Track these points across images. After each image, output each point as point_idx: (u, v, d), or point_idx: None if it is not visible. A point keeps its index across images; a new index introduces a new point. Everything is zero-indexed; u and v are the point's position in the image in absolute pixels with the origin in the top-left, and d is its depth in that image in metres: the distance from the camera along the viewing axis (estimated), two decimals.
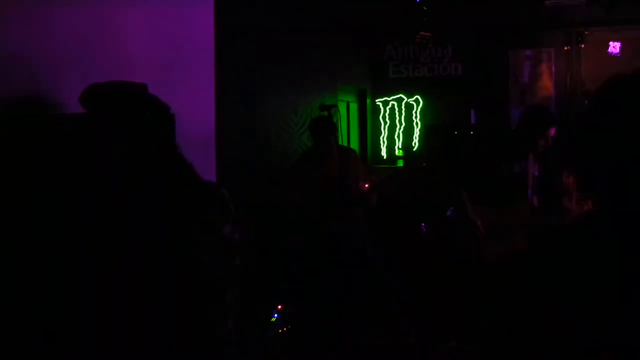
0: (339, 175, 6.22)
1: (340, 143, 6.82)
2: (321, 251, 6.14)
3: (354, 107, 10.65)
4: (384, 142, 10.91)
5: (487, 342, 5.06)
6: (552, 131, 5.65)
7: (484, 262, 5.35)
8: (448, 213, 6.44)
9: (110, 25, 3.97)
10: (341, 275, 6.02)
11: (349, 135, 10.22)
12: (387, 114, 10.89)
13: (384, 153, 10.90)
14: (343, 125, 7.51)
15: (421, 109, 10.72)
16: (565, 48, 9.83)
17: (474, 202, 5.42)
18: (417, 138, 10.73)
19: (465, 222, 5.39)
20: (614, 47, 9.10)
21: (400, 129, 10.85)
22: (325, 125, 6.24)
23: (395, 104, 10.86)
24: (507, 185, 5.45)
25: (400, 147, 10.85)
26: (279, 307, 6.03)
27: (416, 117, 10.75)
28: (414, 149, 10.71)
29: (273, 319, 5.92)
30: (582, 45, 9.62)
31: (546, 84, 10.04)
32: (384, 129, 10.90)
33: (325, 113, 7.01)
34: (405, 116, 10.82)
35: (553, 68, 9.97)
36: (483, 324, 5.28)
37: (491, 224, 5.32)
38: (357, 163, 6.53)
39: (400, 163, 10.68)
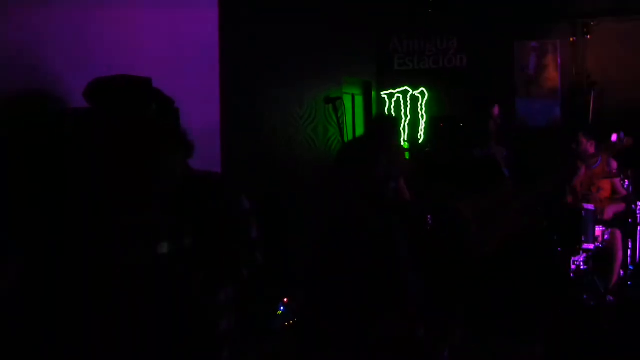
0: (385, 175, 6.23)
1: (344, 135, 6.81)
2: (347, 247, 6.11)
3: (359, 99, 10.62)
4: None
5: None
6: (496, 110, 5.70)
7: (480, 251, 5.36)
8: (429, 221, 6.45)
9: (115, 21, 3.97)
10: (362, 272, 6.00)
11: (354, 127, 10.21)
12: (392, 107, 10.86)
13: None
14: (348, 117, 7.51)
15: (427, 101, 10.69)
16: (571, 39, 9.78)
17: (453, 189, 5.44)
18: (423, 130, 10.70)
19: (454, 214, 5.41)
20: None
21: (405, 121, 10.82)
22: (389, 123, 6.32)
23: (401, 96, 10.82)
24: (478, 170, 5.47)
25: (405, 139, 10.83)
26: (285, 300, 6.03)
27: (422, 109, 10.72)
28: (420, 141, 10.69)
29: (279, 312, 5.92)
30: (588, 36, 9.57)
31: (552, 75, 10.00)
32: None
33: (330, 105, 6.99)
34: (410, 108, 10.79)
35: (559, 59, 9.93)
36: (491, 312, 5.28)
37: (481, 207, 5.33)
38: (403, 161, 6.58)
39: (407, 155, 10.65)
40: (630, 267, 6.75)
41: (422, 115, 10.71)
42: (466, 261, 5.54)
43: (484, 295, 5.52)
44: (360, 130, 10.58)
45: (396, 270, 6.11)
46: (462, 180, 5.50)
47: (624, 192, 7.09)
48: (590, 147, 7.36)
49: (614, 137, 7.17)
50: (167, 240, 2.81)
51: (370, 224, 6.12)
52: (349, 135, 7.56)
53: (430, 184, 5.57)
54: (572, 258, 6.63)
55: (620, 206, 6.98)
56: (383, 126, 6.45)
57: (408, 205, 6.39)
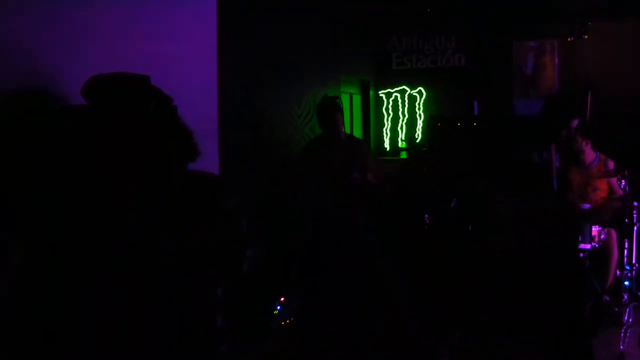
0: (345, 164, 6.25)
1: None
2: (324, 242, 6.16)
3: (357, 98, 10.63)
4: (387, 133, 10.90)
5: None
6: (575, 122, 5.64)
7: (507, 254, 5.36)
8: (452, 204, 6.45)
9: (113, 19, 3.97)
10: (343, 266, 6.03)
11: (352, 126, 10.22)
12: (390, 106, 10.88)
13: (387, 145, 10.90)
14: (346, 116, 7.51)
15: (424, 100, 10.71)
16: (569, 39, 9.79)
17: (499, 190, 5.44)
18: (421, 129, 10.72)
19: (492, 213, 5.40)
20: None
21: (403, 120, 10.83)
22: (332, 104, 6.34)
23: (399, 95, 10.84)
24: (531, 175, 5.46)
25: (403, 138, 10.84)
26: (282, 299, 6.03)
27: (419, 108, 10.73)
28: (417, 141, 10.70)
29: (276, 312, 5.93)
30: (586, 37, 9.58)
31: (550, 75, 10.01)
32: (387, 120, 10.89)
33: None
34: (408, 108, 10.81)
35: (556, 59, 9.94)
36: (492, 312, 5.28)
37: (520, 212, 5.33)
38: (366, 155, 6.58)
39: (404, 155, 10.67)
40: (627, 267, 6.76)
41: (420, 115, 10.73)
42: (471, 260, 5.55)
43: (484, 295, 5.53)
44: (357, 129, 10.60)
45: (366, 256, 6.14)
46: (512, 180, 5.49)
47: (621, 192, 7.10)
48: (586, 147, 7.36)
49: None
50: (166, 239, 2.82)
51: (333, 213, 6.17)
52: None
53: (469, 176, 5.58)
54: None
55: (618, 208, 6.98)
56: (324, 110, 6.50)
57: (375, 191, 6.41)
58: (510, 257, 5.39)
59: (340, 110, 6.57)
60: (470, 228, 6.27)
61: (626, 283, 6.69)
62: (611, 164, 7.31)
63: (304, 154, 6.66)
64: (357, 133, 10.44)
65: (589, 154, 7.38)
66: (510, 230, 5.60)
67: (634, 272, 6.66)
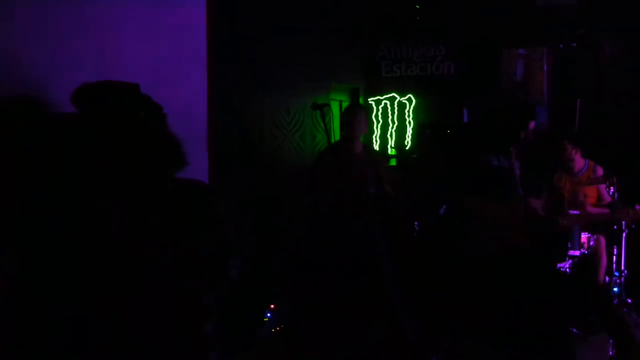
0: (362, 178, 6.22)
1: (332, 141, 6.83)
2: (328, 250, 6.13)
3: (346, 105, 10.64)
4: (376, 140, 10.91)
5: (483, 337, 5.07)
6: (532, 124, 5.72)
7: (480, 255, 5.37)
8: (441, 211, 6.45)
9: (102, 26, 3.96)
10: (342, 274, 6.02)
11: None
12: (379, 113, 10.88)
13: None
14: (336, 124, 7.51)
15: (414, 107, 10.72)
16: (558, 47, 9.83)
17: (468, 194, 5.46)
18: (410, 137, 10.73)
19: (466, 216, 5.41)
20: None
21: (392, 127, 10.84)
22: (353, 103, 6.40)
23: (388, 102, 10.85)
24: (494, 179, 5.49)
25: (392, 145, 10.85)
26: (272, 306, 6.03)
27: (409, 115, 10.75)
28: (407, 148, 10.72)
29: (266, 319, 5.92)
30: (574, 45, 9.62)
31: (539, 82, 10.04)
32: (377, 127, 10.90)
33: (318, 112, 7.01)
34: (398, 115, 10.82)
35: (546, 67, 9.98)
36: (479, 320, 5.29)
37: (486, 215, 5.36)
38: (382, 166, 6.57)
39: (393, 162, 10.68)
40: (616, 274, 6.79)
41: (410, 122, 10.74)
42: (456, 265, 5.56)
43: (473, 303, 5.53)
44: None
45: (376, 270, 6.14)
46: (475, 186, 5.51)
47: (609, 199, 7.14)
48: (576, 154, 7.40)
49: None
50: (156, 247, 2.82)
51: (349, 225, 6.16)
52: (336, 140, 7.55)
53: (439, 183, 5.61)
54: (559, 264, 6.67)
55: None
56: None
57: (391, 206, 6.41)
58: (492, 262, 5.41)
59: (365, 111, 6.60)
60: (459, 235, 6.28)
61: (615, 289, 6.72)
62: (600, 171, 7.35)
63: (320, 164, 6.58)
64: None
65: (578, 161, 7.43)
66: (486, 236, 5.62)
67: (622, 278, 6.68)
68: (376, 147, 10.88)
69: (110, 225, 2.76)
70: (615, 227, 6.76)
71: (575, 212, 6.88)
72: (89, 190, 2.79)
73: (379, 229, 6.34)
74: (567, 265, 6.76)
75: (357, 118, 6.51)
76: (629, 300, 6.71)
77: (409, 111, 10.75)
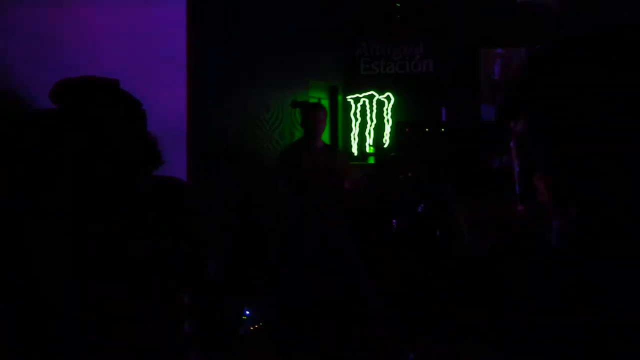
0: (324, 170, 6.30)
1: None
2: (298, 246, 6.17)
3: (325, 103, 10.62)
4: (355, 138, 10.92)
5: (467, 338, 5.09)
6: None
7: (466, 256, 5.39)
8: (419, 209, 6.47)
9: (81, 22, 3.93)
10: (316, 272, 6.03)
11: None
12: (358, 111, 10.89)
13: (354, 150, 10.91)
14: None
15: (392, 106, 10.74)
16: (536, 47, 9.87)
17: (461, 194, 5.48)
18: (389, 135, 10.74)
19: (449, 216, 5.43)
20: None
21: (371, 125, 10.86)
22: (313, 104, 6.51)
23: (367, 100, 10.86)
24: (493, 179, 5.52)
25: (371, 144, 10.86)
26: (251, 304, 6.02)
27: (387, 114, 10.77)
28: (385, 146, 10.73)
29: (245, 317, 5.91)
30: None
31: None
32: (355, 125, 10.91)
33: (297, 109, 7.03)
34: (376, 113, 10.83)
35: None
36: (459, 320, 5.30)
37: (480, 216, 5.38)
38: (346, 163, 6.68)
39: (372, 160, 10.70)
40: None
41: (388, 120, 10.76)
42: (450, 264, 5.58)
43: (450, 301, 5.55)
44: (325, 134, 10.59)
45: (342, 262, 6.16)
46: (474, 187, 5.55)
47: None
48: None
49: None
50: (132, 244, 2.79)
51: (314, 219, 6.18)
52: None
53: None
54: None
55: None
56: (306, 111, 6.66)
57: (354, 198, 6.48)
58: (475, 262, 5.43)
59: (324, 110, 6.72)
60: (438, 233, 6.31)
61: None
62: None
63: (283, 161, 6.68)
64: (325, 138, 10.42)
65: None
66: (475, 236, 5.65)
67: None
68: (354, 145, 10.89)
69: (86, 224, 2.74)
70: None
71: None
72: (65, 188, 2.76)
73: (343, 222, 6.38)
74: None
75: (318, 117, 6.61)
76: None
77: (387, 109, 10.77)
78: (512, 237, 5.29)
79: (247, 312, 5.95)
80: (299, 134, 8.46)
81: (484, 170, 5.59)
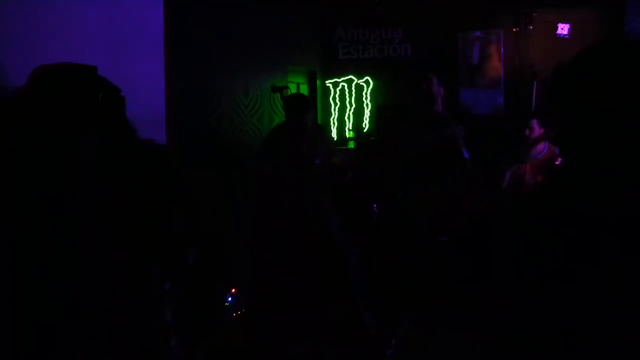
0: (310, 152, 6.28)
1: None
2: (282, 229, 6.15)
3: (304, 88, 10.61)
4: (334, 123, 10.91)
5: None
6: (435, 80, 5.86)
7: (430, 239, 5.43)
8: (399, 194, 6.49)
9: (58, 8, 3.89)
10: (300, 254, 6.02)
11: None
12: (337, 96, 10.88)
13: (334, 135, 10.90)
14: None
15: (371, 90, 10.73)
16: (514, 29, 9.90)
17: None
18: (368, 119, 10.74)
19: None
20: (563, 29, 9.22)
21: (350, 110, 10.85)
22: (303, 102, 6.45)
23: (346, 85, 10.85)
24: (437, 155, 5.56)
25: (350, 128, 10.86)
26: (233, 290, 5.99)
27: (366, 98, 10.76)
28: (365, 130, 10.73)
29: (227, 304, 5.89)
30: (531, 27, 9.70)
31: (495, 65, 10.12)
32: (334, 110, 10.90)
33: (277, 94, 7.01)
34: (355, 97, 10.82)
35: (502, 50, 10.05)
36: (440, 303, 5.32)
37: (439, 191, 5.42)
38: (328, 140, 6.67)
39: (351, 144, 10.70)
40: None
41: (367, 104, 10.75)
42: (417, 249, 5.60)
43: (433, 286, 5.56)
44: None
45: (330, 246, 6.15)
46: (420, 166, 5.56)
47: None
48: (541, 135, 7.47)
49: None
50: (113, 230, 2.77)
51: (300, 202, 6.17)
52: None
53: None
54: None
55: None
56: (296, 106, 6.62)
57: (340, 174, 6.50)
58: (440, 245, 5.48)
59: (311, 109, 6.76)
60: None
61: None
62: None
63: (268, 141, 6.68)
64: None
65: (540, 143, 7.48)
66: (439, 216, 5.69)
67: None
68: (334, 129, 10.88)
69: (68, 209, 2.71)
70: None
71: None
72: (46, 174, 2.73)
73: (328, 201, 6.38)
74: None
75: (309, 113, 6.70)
76: None
77: (366, 94, 10.76)
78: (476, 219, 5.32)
79: (229, 299, 5.93)
80: (277, 118, 8.44)
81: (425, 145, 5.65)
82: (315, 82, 10.82)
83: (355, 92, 10.83)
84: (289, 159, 6.19)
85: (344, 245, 6.25)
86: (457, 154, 5.63)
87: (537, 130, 7.43)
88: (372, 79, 10.71)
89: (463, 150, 5.80)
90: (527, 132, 7.50)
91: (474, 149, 6.35)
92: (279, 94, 6.94)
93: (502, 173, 7.43)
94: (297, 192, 6.19)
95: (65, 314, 2.68)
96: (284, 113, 6.85)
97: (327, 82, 10.91)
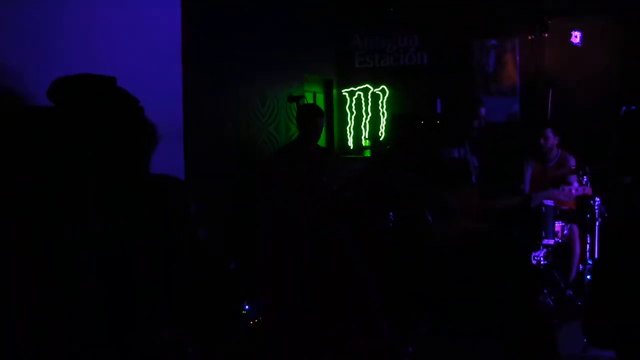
0: (322, 175, 6.35)
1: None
2: (296, 242, 6.19)
3: (320, 97, 10.64)
4: (350, 132, 10.92)
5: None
6: (483, 110, 5.85)
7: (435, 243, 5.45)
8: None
9: (78, 19, 3.94)
10: (314, 267, 6.05)
11: None
12: (353, 104, 10.89)
13: (350, 143, 10.91)
14: None
15: (387, 98, 10.74)
16: (529, 37, 9.89)
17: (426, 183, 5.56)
18: (384, 128, 10.75)
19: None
20: (576, 36, 9.22)
21: (366, 119, 10.85)
22: (314, 109, 6.55)
23: (362, 94, 10.86)
24: (451, 170, 5.58)
25: (367, 137, 10.87)
26: (250, 298, 6.02)
27: (382, 106, 10.76)
28: (381, 139, 10.73)
29: (244, 312, 5.92)
30: (546, 34, 9.68)
31: (511, 73, 10.10)
32: (351, 119, 10.91)
33: (293, 104, 7.04)
34: (371, 106, 10.83)
35: (517, 57, 10.04)
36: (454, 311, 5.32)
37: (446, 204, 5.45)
38: (335, 164, 6.76)
39: (368, 153, 10.70)
40: (589, 262, 6.86)
41: (383, 113, 10.76)
42: (425, 256, 5.61)
43: (447, 294, 5.57)
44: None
45: (340, 258, 6.18)
46: (430, 179, 5.60)
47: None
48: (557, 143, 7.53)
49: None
50: (130, 243, 2.80)
51: (322, 227, 6.21)
52: None
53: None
54: (533, 253, 6.75)
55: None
56: (308, 114, 6.72)
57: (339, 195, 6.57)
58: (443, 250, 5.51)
59: (322, 116, 6.79)
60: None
61: (588, 277, 6.79)
62: (572, 161, 7.45)
63: (276, 163, 6.74)
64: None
65: (553, 151, 7.53)
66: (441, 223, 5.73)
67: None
68: (350, 138, 10.89)
69: (86, 223, 2.75)
70: (588, 216, 6.83)
71: (549, 202, 6.95)
72: (65, 187, 2.76)
73: (339, 219, 6.42)
74: (542, 254, 6.84)
75: (320, 123, 6.82)
76: None
77: (382, 102, 10.77)
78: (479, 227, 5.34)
79: (247, 307, 5.96)
80: (294, 128, 8.47)
81: (444, 160, 5.68)
82: (332, 91, 10.84)
83: (371, 101, 10.84)
84: (308, 187, 6.27)
85: (358, 257, 6.28)
86: (467, 177, 5.68)
87: (551, 138, 7.46)
88: (388, 87, 10.71)
89: (473, 160, 5.83)
90: (542, 140, 7.53)
91: (488, 156, 6.38)
92: (295, 104, 6.97)
93: (521, 170, 7.47)
94: (312, 213, 6.24)
95: (81, 319, 2.72)
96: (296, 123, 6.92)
97: (343, 91, 10.93)
